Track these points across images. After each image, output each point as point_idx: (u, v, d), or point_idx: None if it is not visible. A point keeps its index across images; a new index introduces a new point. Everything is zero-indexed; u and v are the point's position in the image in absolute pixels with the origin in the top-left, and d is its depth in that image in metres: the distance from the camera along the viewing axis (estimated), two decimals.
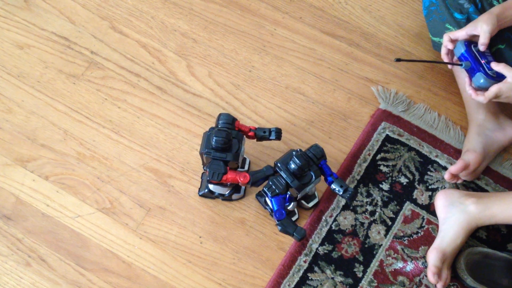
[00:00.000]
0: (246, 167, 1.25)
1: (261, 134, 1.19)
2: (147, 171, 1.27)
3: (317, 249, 1.21)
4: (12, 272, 1.17)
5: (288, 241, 1.22)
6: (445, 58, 1.20)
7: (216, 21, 1.45)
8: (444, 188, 1.27)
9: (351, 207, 1.25)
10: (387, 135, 1.32)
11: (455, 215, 1.15)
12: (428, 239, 1.22)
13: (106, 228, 1.21)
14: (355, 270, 1.19)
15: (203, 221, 1.23)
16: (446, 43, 1.18)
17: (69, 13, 1.43)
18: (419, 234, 1.23)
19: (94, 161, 1.27)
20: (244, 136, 1.18)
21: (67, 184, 1.25)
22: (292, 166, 1.11)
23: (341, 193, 1.15)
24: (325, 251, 1.21)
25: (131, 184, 1.26)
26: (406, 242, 1.22)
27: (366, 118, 1.36)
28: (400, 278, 1.19)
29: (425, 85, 1.41)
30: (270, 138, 1.19)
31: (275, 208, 1.10)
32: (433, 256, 1.14)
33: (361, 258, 1.21)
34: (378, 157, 1.30)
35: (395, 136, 1.33)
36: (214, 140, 1.09)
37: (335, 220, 1.24)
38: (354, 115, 1.36)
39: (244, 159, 1.26)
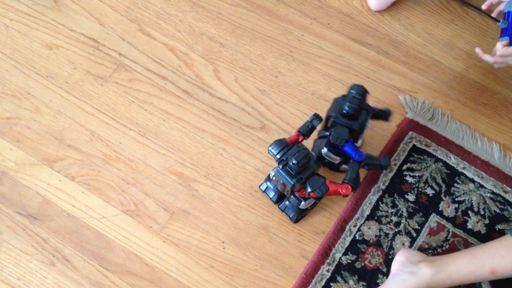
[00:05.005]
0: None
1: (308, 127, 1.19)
2: (171, 174, 1.27)
3: (340, 258, 1.20)
4: (36, 271, 1.18)
5: (311, 250, 1.21)
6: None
7: (244, 26, 1.45)
8: (471, 200, 1.25)
9: (376, 218, 1.24)
10: (414, 145, 1.31)
11: (404, 274, 1.10)
12: (454, 252, 1.20)
13: (130, 230, 1.22)
14: (378, 281, 1.18)
15: (226, 226, 1.23)
16: None
17: (98, 14, 1.44)
18: (444, 247, 1.21)
19: (120, 163, 1.28)
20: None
21: (92, 185, 1.25)
22: (347, 109, 1.13)
23: (382, 114, 1.22)
24: (348, 261, 1.20)
25: (155, 187, 1.26)
26: (430, 254, 1.21)
27: (392, 127, 1.34)
28: None
29: (453, 95, 1.39)
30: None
31: (353, 153, 1.14)
32: None
33: (384, 270, 1.19)
34: (405, 167, 1.29)
35: (422, 147, 1.31)
36: (293, 162, 1.09)
37: (359, 230, 1.22)
38: (380, 124, 1.34)
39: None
